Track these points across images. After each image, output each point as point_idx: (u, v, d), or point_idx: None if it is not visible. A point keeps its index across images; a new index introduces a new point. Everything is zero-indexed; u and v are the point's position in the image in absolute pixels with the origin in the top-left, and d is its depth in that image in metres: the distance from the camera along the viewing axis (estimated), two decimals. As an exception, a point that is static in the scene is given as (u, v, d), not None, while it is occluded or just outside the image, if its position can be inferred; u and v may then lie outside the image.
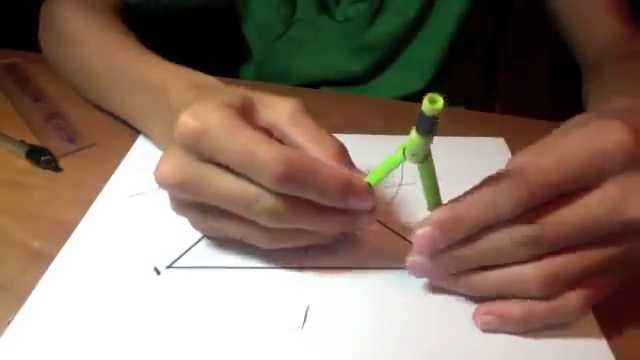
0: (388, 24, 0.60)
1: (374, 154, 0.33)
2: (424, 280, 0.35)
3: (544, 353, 0.31)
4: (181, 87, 0.38)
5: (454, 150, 0.45)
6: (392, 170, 0.31)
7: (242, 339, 0.31)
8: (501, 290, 0.31)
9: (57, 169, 0.44)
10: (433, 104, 0.25)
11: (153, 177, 0.32)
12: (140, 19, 0.55)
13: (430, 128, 0.27)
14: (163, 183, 0.31)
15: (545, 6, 0.60)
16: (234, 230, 0.33)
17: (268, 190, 0.30)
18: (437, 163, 0.34)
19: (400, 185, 0.43)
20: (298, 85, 0.63)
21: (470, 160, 0.32)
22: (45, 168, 0.44)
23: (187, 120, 0.30)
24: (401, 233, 0.38)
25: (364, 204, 0.32)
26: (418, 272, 0.32)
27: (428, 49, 0.61)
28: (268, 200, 0.30)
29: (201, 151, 0.30)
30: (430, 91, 0.26)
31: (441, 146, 0.36)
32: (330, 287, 0.34)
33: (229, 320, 0.32)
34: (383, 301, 0.34)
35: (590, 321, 0.32)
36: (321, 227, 0.32)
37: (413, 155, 0.29)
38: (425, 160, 0.29)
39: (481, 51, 0.70)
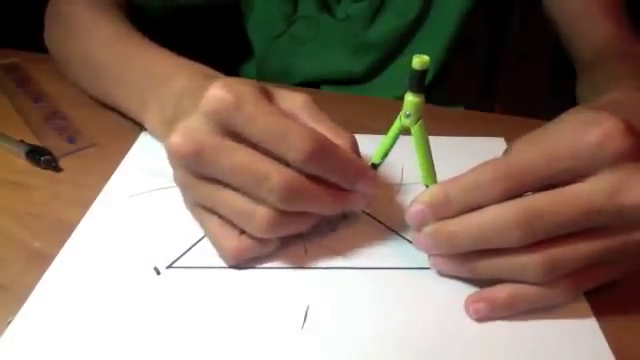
0: (389, 23, 0.60)
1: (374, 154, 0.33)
2: (424, 279, 0.35)
3: (541, 350, 0.31)
4: (188, 74, 0.39)
5: (454, 150, 0.45)
6: (394, 141, 0.35)
7: (242, 339, 0.31)
8: (500, 275, 0.32)
9: (57, 169, 0.44)
10: (421, 61, 0.30)
11: (153, 177, 0.32)
12: (144, 18, 0.55)
13: (421, 83, 0.31)
14: (176, 151, 0.31)
15: (543, 7, 0.60)
16: (237, 208, 0.32)
17: (283, 168, 0.31)
18: (438, 163, 0.35)
19: (400, 185, 0.43)
20: (299, 84, 0.63)
21: (470, 160, 0.32)
22: (45, 168, 0.44)
23: (219, 92, 0.30)
24: (401, 233, 0.38)
25: (370, 190, 0.34)
26: (422, 245, 0.33)
27: (428, 49, 0.61)
28: (280, 177, 0.30)
29: (231, 123, 0.31)
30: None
31: (441, 146, 0.37)
32: (330, 287, 0.34)
33: (229, 320, 0.32)
34: (383, 301, 0.34)
35: (583, 307, 0.33)
36: (324, 208, 0.33)
37: (408, 116, 0.33)
38: (418, 122, 0.33)
39: (481, 51, 0.70)
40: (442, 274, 0.35)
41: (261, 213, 0.32)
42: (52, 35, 0.55)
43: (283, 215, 0.32)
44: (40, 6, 0.57)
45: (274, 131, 0.30)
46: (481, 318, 0.32)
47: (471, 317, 0.32)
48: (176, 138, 0.31)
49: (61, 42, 0.54)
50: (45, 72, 0.56)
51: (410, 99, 0.32)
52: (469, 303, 0.33)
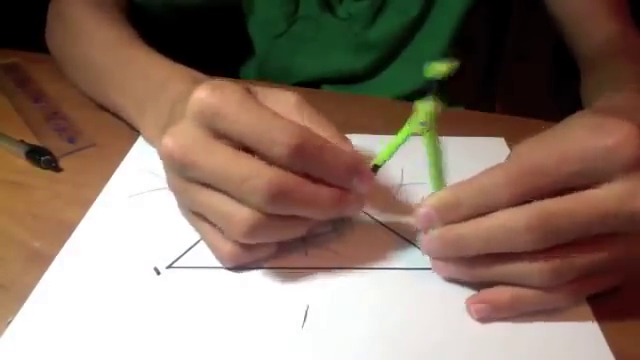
0: (390, 22, 0.60)
1: (374, 154, 0.33)
2: (424, 280, 0.35)
3: (542, 353, 0.31)
4: (182, 81, 0.39)
5: (454, 150, 0.45)
6: (400, 145, 0.33)
7: (242, 339, 0.31)
8: (505, 280, 0.32)
9: (57, 169, 0.44)
10: (441, 68, 0.30)
11: (153, 177, 0.32)
12: (146, 18, 0.55)
13: (440, 92, 0.31)
14: (165, 153, 0.31)
15: (544, 6, 0.60)
16: (220, 211, 0.31)
17: (270, 167, 0.30)
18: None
19: (400, 185, 0.43)
20: (299, 83, 0.63)
21: (470, 160, 0.32)
22: (45, 168, 0.44)
23: (203, 94, 0.30)
24: (401, 233, 0.38)
25: (366, 187, 0.32)
26: (428, 249, 0.33)
27: (429, 48, 0.61)
28: (265, 176, 0.29)
29: (215, 123, 0.30)
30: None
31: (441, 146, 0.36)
32: (330, 287, 0.34)
33: (229, 320, 0.32)
34: (383, 301, 0.34)
35: (585, 311, 0.33)
36: (314, 212, 0.32)
37: (422, 124, 0.32)
38: (432, 130, 0.32)
39: (481, 51, 0.70)
40: (445, 278, 0.35)
41: (241, 216, 0.30)
42: (53, 36, 0.56)
43: (268, 219, 0.31)
44: (40, 6, 0.57)
45: (257, 127, 0.29)
46: (482, 318, 0.32)
47: (472, 317, 0.32)
48: (165, 141, 0.31)
49: (62, 43, 0.54)
50: (45, 72, 0.56)
51: (427, 109, 0.32)
52: (471, 304, 0.32)
